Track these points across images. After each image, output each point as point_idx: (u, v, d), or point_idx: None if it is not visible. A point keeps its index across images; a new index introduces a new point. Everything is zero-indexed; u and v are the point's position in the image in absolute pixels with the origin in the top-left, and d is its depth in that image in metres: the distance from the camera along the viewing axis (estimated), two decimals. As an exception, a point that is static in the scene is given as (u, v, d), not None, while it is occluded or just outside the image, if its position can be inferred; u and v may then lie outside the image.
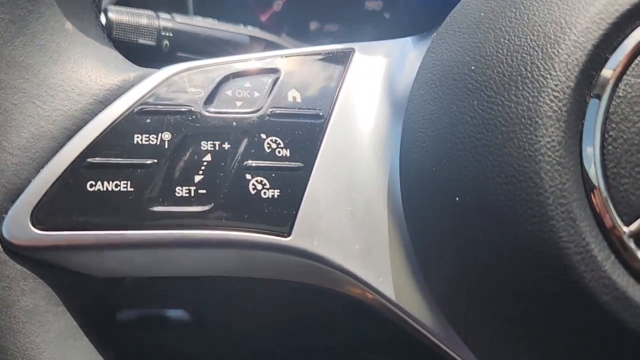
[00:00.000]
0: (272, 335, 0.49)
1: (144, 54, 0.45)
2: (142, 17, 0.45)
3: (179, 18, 0.48)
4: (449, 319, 0.30)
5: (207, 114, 0.30)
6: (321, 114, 0.32)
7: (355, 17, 0.58)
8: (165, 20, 0.46)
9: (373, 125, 0.32)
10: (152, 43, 0.45)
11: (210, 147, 0.30)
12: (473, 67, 0.28)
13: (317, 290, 0.33)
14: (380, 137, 0.32)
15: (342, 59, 0.34)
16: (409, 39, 0.36)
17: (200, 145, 0.30)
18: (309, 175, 0.31)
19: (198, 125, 0.30)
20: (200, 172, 0.30)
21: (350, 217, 0.31)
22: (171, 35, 0.46)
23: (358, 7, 0.56)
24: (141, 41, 0.45)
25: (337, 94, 0.32)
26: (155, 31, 0.45)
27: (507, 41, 0.27)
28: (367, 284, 0.30)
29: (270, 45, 0.51)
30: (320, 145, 0.31)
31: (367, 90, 0.33)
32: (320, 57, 0.34)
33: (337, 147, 0.31)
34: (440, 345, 0.30)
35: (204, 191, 0.29)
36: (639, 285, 0.24)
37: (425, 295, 0.30)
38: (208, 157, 0.30)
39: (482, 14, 0.29)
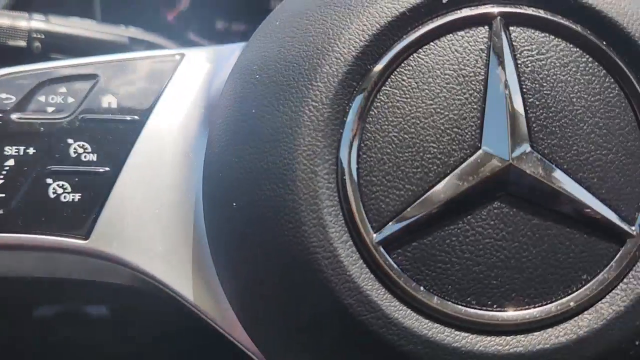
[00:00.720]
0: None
1: (17, 56, 0.46)
2: (11, 19, 0.45)
3: (53, 19, 0.48)
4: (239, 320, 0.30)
5: (15, 119, 0.31)
6: (137, 119, 0.32)
7: (261, 16, 0.59)
8: (38, 22, 0.46)
9: (188, 131, 0.33)
10: (23, 44, 0.46)
11: (15, 152, 0.31)
12: (257, 76, 0.28)
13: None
14: (193, 142, 0.33)
15: (168, 64, 0.34)
16: (241, 45, 0.36)
17: (4, 151, 0.31)
18: (115, 180, 0.31)
19: (4, 131, 0.31)
20: (1, 176, 0.30)
21: (156, 220, 0.31)
22: (43, 37, 0.46)
23: (264, 6, 0.57)
24: (11, 43, 0.45)
25: (157, 100, 0.33)
26: (25, 33, 0.46)
27: (285, 50, 0.28)
28: (166, 285, 0.31)
29: (151, 46, 0.52)
30: (130, 151, 0.32)
31: (188, 96, 0.34)
32: (147, 63, 0.34)
33: (150, 152, 0.32)
34: (239, 345, 0.31)
35: (3, 195, 0.30)
36: (384, 289, 0.25)
37: (222, 296, 0.31)
38: (11, 162, 0.31)
39: (277, 22, 0.30)
